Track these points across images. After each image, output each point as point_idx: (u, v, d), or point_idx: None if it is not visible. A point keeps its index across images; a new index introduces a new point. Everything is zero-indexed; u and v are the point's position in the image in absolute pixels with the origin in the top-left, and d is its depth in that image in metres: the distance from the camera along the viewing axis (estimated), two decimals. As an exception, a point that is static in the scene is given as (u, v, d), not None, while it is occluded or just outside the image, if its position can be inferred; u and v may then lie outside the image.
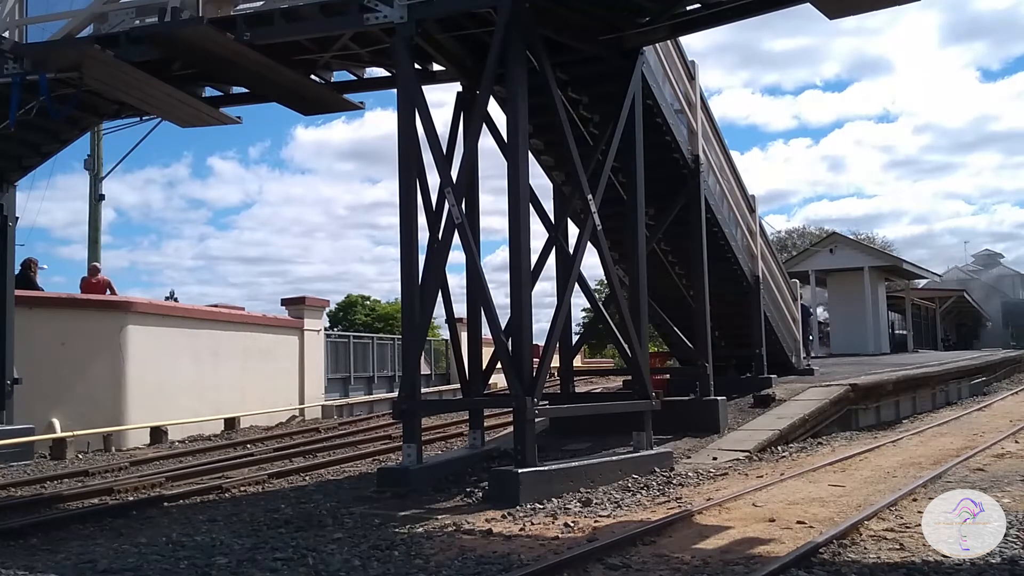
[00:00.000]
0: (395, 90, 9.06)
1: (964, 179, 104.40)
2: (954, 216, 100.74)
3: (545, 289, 37.43)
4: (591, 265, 20.11)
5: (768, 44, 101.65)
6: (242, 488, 9.34)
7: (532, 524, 6.76)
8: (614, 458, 9.14)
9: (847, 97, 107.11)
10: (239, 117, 11.51)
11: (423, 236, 8.85)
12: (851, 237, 35.59)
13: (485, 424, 10.91)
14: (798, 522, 6.43)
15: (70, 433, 12.71)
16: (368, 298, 57.21)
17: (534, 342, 8.45)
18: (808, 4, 8.45)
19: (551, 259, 10.61)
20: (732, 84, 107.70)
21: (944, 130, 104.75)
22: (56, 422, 13.14)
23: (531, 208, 9.15)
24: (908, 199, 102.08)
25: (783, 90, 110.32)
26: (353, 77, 11.01)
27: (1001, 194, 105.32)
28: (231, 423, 15.80)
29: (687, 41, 11.88)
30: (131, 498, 8.77)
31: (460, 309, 10.58)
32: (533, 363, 8.32)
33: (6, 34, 9.82)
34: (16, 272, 13.08)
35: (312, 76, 10.62)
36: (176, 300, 18.82)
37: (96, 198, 22.73)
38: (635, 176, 9.67)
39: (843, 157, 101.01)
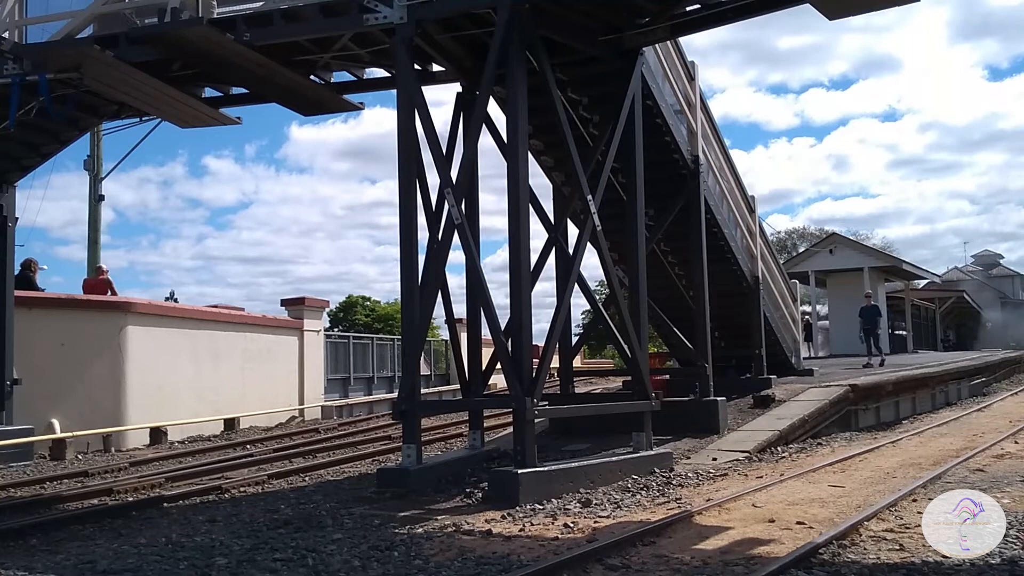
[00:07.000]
0: (394, 90, 9.08)
1: (969, 179, 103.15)
2: (957, 216, 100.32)
3: (545, 289, 37.27)
4: (591, 265, 19.98)
5: (774, 42, 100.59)
6: (242, 489, 9.34)
7: (532, 525, 6.76)
8: (614, 459, 9.14)
9: (851, 95, 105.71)
10: (239, 117, 11.56)
11: (423, 236, 8.88)
12: (851, 238, 35.62)
13: (485, 424, 10.92)
14: (798, 523, 6.43)
15: (70, 434, 12.72)
16: (368, 299, 57.17)
17: (534, 342, 8.45)
18: (808, 4, 8.47)
19: (551, 259, 10.61)
20: (737, 83, 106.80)
21: (950, 128, 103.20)
22: (56, 423, 13.13)
23: (531, 208, 9.16)
24: (912, 199, 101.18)
25: (788, 88, 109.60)
26: (353, 78, 11.02)
27: (1006, 194, 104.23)
28: (231, 424, 15.81)
29: (689, 39, 11.88)
30: (131, 499, 8.77)
31: (460, 309, 10.61)
32: (533, 364, 8.32)
33: (6, 34, 9.81)
34: (16, 273, 13.08)
35: (312, 76, 10.62)
36: (176, 300, 18.80)
37: (96, 199, 22.68)
38: (635, 176, 9.68)
39: (847, 156, 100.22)
